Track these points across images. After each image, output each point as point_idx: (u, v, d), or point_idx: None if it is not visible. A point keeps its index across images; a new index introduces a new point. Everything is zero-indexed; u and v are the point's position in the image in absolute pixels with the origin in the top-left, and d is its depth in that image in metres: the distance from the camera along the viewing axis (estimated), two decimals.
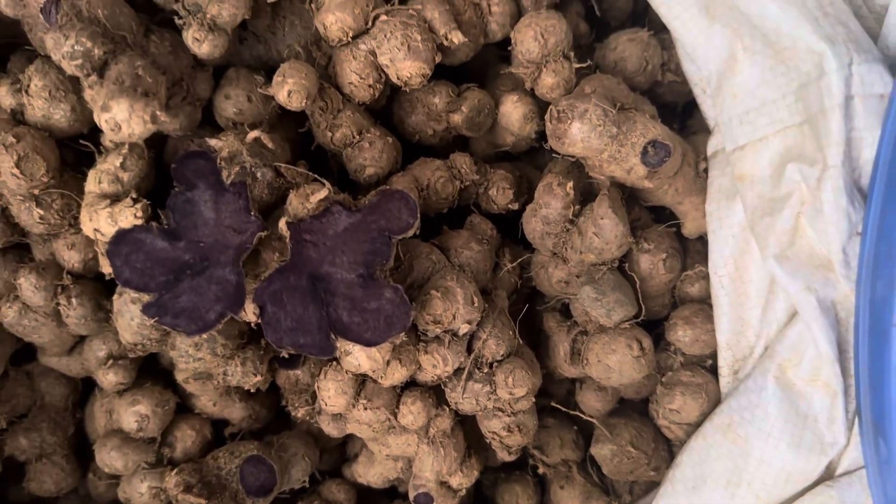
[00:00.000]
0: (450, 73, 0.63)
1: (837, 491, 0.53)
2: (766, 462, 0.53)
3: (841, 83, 0.47)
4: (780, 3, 0.48)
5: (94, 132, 0.55)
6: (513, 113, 0.60)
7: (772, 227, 0.51)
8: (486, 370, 0.56)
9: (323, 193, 0.51)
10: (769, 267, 0.51)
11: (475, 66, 0.65)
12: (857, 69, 0.47)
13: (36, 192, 0.55)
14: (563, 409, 0.62)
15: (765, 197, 0.52)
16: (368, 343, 0.50)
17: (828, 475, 0.54)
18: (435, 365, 0.55)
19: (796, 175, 0.49)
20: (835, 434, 0.52)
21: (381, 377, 0.55)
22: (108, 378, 0.59)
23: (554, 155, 0.57)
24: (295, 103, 0.53)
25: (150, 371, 0.63)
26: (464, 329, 0.54)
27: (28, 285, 0.57)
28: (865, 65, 0.47)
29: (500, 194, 0.61)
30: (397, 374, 0.55)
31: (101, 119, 0.49)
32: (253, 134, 0.53)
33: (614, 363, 0.57)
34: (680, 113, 0.65)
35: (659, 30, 0.60)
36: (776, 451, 0.53)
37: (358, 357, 0.53)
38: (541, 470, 0.65)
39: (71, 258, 0.57)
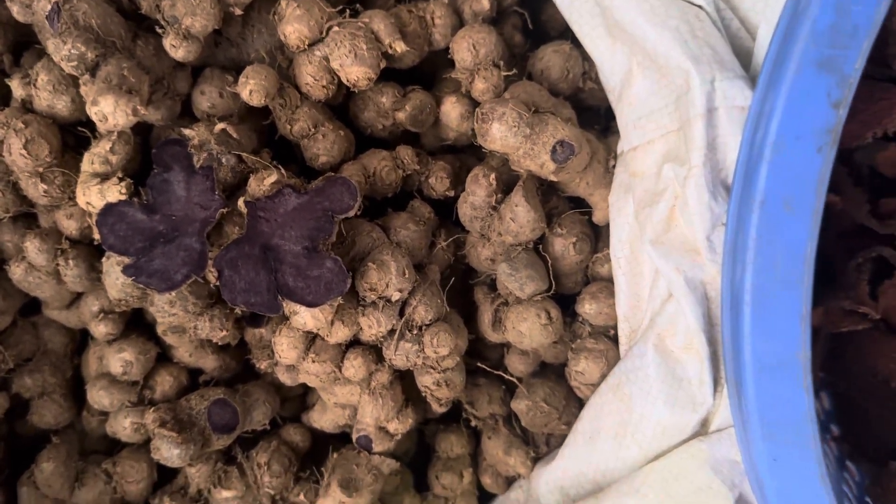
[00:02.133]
0: (404, 74, 0.72)
1: (708, 445, 0.61)
2: (646, 417, 0.62)
3: (703, 97, 0.55)
4: (657, 28, 0.57)
5: (91, 120, 0.65)
6: (451, 112, 0.69)
7: (650, 217, 0.60)
8: (415, 332, 0.66)
9: (274, 177, 0.61)
10: (647, 250, 0.60)
11: (428, 69, 0.75)
12: (719, 85, 0.56)
13: (41, 170, 0.64)
14: (489, 369, 0.72)
15: (649, 191, 0.60)
16: (310, 304, 0.60)
17: (703, 431, 0.63)
18: (370, 326, 0.64)
19: (670, 173, 0.58)
20: (704, 395, 0.60)
21: (327, 335, 0.65)
22: (100, 329, 0.70)
23: (483, 149, 0.66)
24: (255, 100, 0.62)
25: (137, 325, 0.73)
26: (395, 296, 0.64)
27: (33, 248, 0.67)
28: (728, 81, 0.56)
29: (439, 182, 0.70)
30: (340, 333, 0.64)
31: (91, 111, 0.58)
32: (220, 126, 0.63)
33: (525, 329, 0.66)
34: (604, 116, 0.74)
35: None
36: (654, 407, 0.61)
37: (304, 316, 0.62)
38: (472, 422, 0.75)
39: (69, 226, 0.67)
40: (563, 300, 0.70)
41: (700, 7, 0.58)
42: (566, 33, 0.75)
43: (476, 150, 0.75)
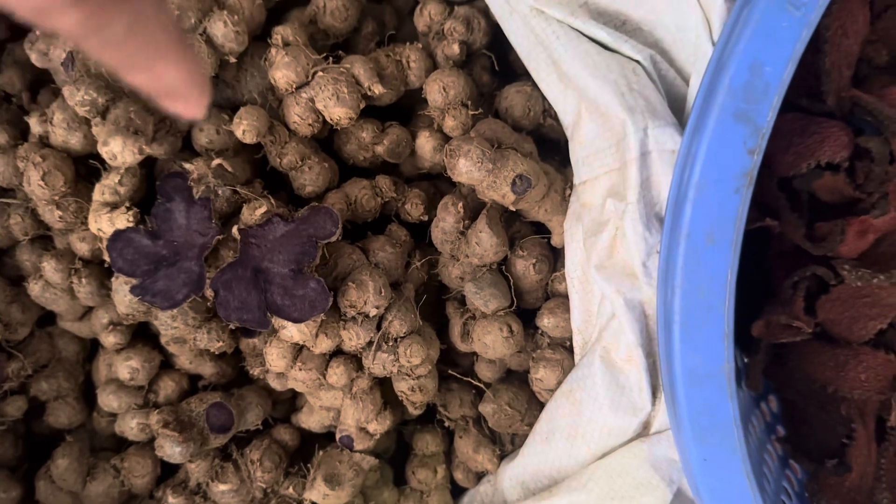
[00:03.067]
0: (383, 111, 0.80)
1: (648, 445, 0.68)
2: (594, 420, 0.69)
3: (637, 143, 0.62)
4: (598, 81, 0.64)
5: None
6: (425, 146, 0.77)
7: (595, 244, 0.67)
8: (391, 344, 0.73)
9: (264, 208, 0.69)
10: (591, 274, 0.67)
11: (407, 104, 0.82)
12: (652, 132, 0.63)
13: (56, 198, 0.68)
14: (459, 376, 0.80)
15: (595, 221, 0.68)
16: (296, 320, 0.68)
17: (644, 434, 0.70)
18: (351, 338, 0.72)
19: (611, 207, 0.65)
20: (643, 401, 0.67)
21: (312, 346, 0.73)
22: (109, 339, 0.77)
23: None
24: (248, 139, 0.70)
25: (143, 335, 0.81)
26: (373, 312, 0.71)
27: (49, 267, 0.73)
28: (660, 128, 0.63)
29: (414, 208, 0.78)
30: (324, 345, 0.72)
31: (103, 151, 0.66)
32: (216, 161, 0.70)
33: (489, 342, 0.74)
34: (563, 148, 0.82)
35: None
36: (601, 412, 0.68)
37: (291, 331, 0.70)
38: (446, 423, 0.83)
39: (82, 248, 0.71)
40: (526, 314, 0.78)
41: (637, 62, 0.65)
42: (529, 74, 0.83)
43: (449, 177, 0.83)
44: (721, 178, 0.59)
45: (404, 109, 0.82)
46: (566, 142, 0.78)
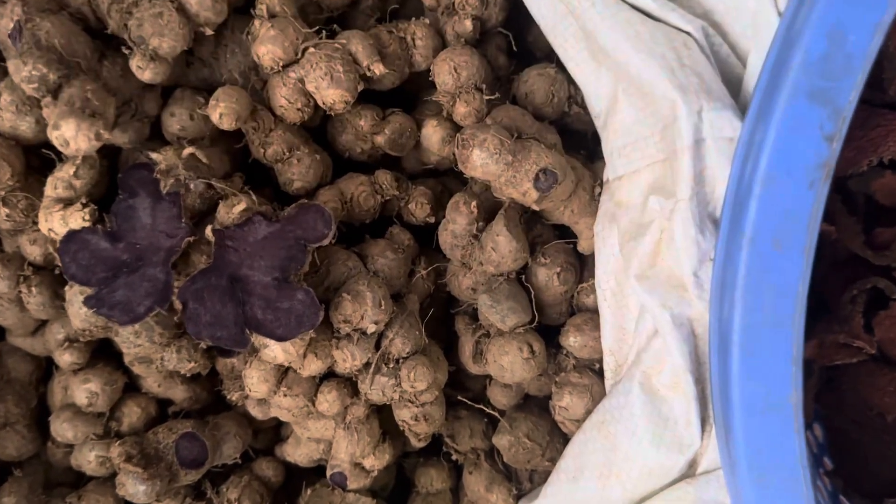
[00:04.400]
0: (384, 96, 0.70)
1: (695, 488, 0.59)
2: (631, 457, 0.59)
3: (690, 128, 0.53)
4: (642, 55, 0.54)
5: None
6: (432, 136, 0.67)
7: (636, 250, 0.57)
8: (392, 365, 0.63)
9: (244, 205, 0.58)
10: (631, 285, 0.57)
11: (410, 90, 0.72)
12: (707, 115, 0.53)
13: (3, 193, 0.61)
14: (470, 402, 0.70)
15: (634, 222, 0.58)
16: (280, 338, 0.58)
17: (689, 473, 0.60)
18: (345, 359, 0.62)
19: (656, 205, 0.56)
20: (691, 435, 0.58)
21: (299, 368, 0.62)
22: (64, 358, 0.67)
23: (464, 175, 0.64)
24: (226, 124, 0.60)
25: (104, 352, 0.71)
26: (371, 329, 0.61)
27: None
28: (716, 112, 0.53)
29: (419, 208, 0.68)
30: (313, 366, 0.62)
31: (52, 136, 0.56)
32: (188, 150, 0.60)
33: (507, 363, 0.64)
34: (590, 140, 0.72)
35: None
36: (640, 447, 0.59)
37: (274, 350, 0.60)
38: (454, 456, 0.73)
39: (33, 252, 0.64)
40: (547, 331, 0.68)
41: (688, 34, 0.56)
42: (552, 55, 0.73)
43: (459, 173, 0.73)
44: (792, 170, 0.50)
45: (407, 96, 0.72)
46: (594, 133, 0.69)
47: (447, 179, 0.73)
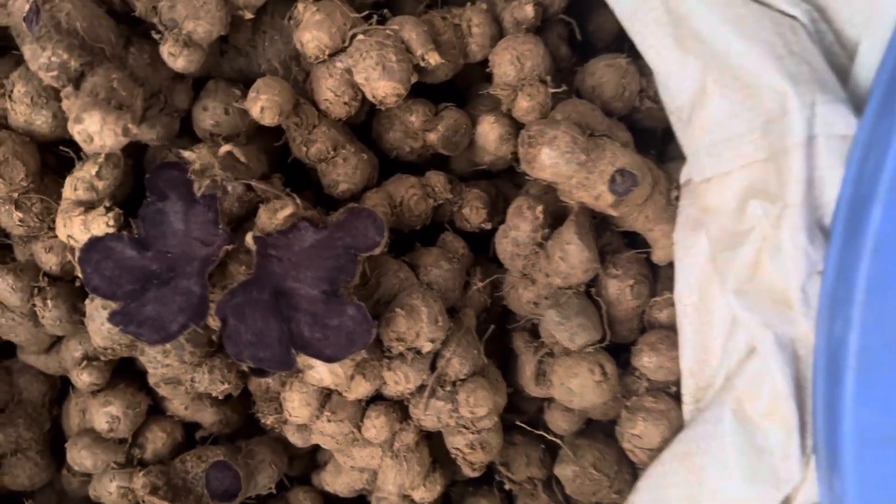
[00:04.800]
0: (432, 90, 0.63)
1: None
2: (720, 493, 0.53)
3: (803, 122, 0.47)
4: (744, 40, 0.48)
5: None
6: (489, 133, 0.61)
7: (732, 261, 0.51)
8: (448, 388, 0.57)
9: (290, 210, 0.52)
10: (728, 301, 0.51)
11: (459, 84, 0.66)
12: (820, 109, 0.47)
13: (16, 195, 0.56)
14: (529, 428, 0.63)
15: (727, 230, 0.52)
16: (329, 359, 0.51)
17: None
18: (397, 381, 0.55)
19: (758, 211, 0.49)
20: (790, 470, 0.52)
21: (346, 391, 0.56)
22: (83, 378, 0.61)
23: (526, 176, 0.57)
24: (267, 119, 0.54)
25: (126, 371, 0.64)
26: (427, 347, 0.55)
27: (5, 286, 0.58)
28: (829, 105, 0.47)
29: (474, 213, 0.62)
30: (361, 389, 0.56)
31: (74, 130, 0.50)
32: (225, 148, 0.54)
33: (576, 387, 0.57)
34: (660, 138, 0.65)
35: (639, 56, 0.60)
36: (730, 482, 0.53)
37: (320, 371, 0.54)
38: (507, 486, 0.66)
39: (49, 261, 0.58)
40: (615, 349, 0.61)
41: (794, 18, 0.49)
42: (615, 45, 0.67)
43: (513, 175, 0.67)
44: None
45: (455, 91, 0.66)
46: (665, 130, 0.62)
47: (500, 182, 0.67)
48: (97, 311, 0.55)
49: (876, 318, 0.46)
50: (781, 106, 0.47)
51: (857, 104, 0.48)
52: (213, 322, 0.53)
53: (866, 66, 0.49)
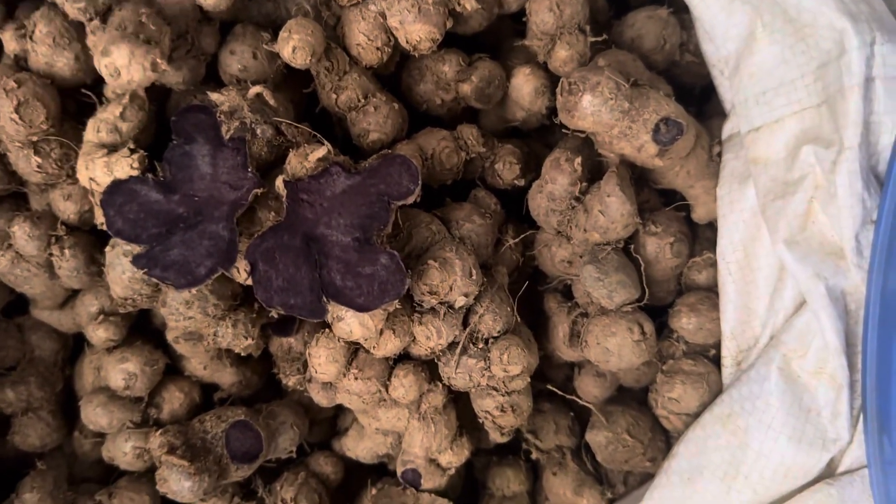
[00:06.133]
0: (462, 43, 0.62)
1: (837, 489, 0.51)
2: (764, 455, 0.51)
3: (861, 62, 0.45)
4: None
5: (98, 83, 0.54)
6: (524, 86, 0.59)
7: (783, 211, 0.49)
8: (481, 346, 0.55)
9: (322, 152, 0.50)
10: (778, 252, 0.49)
11: (489, 39, 0.64)
12: (879, 49, 0.45)
13: (34, 138, 0.54)
14: (560, 392, 0.61)
15: (778, 180, 0.50)
16: (361, 308, 0.49)
17: (829, 472, 0.52)
18: (429, 337, 0.53)
19: (811, 157, 0.48)
20: (838, 430, 0.50)
21: (374, 347, 0.54)
22: (98, 333, 0.59)
23: (564, 131, 0.55)
24: (300, 60, 0.52)
25: (142, 330, 0.62)
26: (460, 302, 0.53)
27: (21, 234, 0.56)
28: (889, 45, 0.45)
29: (507, 169, 0.60)
30: (390, 345, 0.53)
31: (101, 64, 0.48)
32: (255, 89, 0.52)
33: (614, 346, 0.55)
34: (698, 96, 0.64)
35: (679, 9, 0.59)
36: (776, 444, 0.51)
37: (350, 323, 0.51)
38: (534, 455, 0.64)
39: (67, 209, 0.56)
40: (649, 312, 0.59)
41: None
42: (648, 1, 0.65)
43: (545, 134, 0.65)
44: None
45: (487, 46, 0.64)
46: (704, 87, 0.61)
47: (531, 142, 0.65)
48: (118, 259, 0.53)
49: None
50: (839, 45, 0.46)
51: None
52: (240, 271, 0.51)
53: None
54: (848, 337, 0.50)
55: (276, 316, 0.54)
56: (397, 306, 0.51)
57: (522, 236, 0.59)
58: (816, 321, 0.48)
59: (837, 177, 0.46)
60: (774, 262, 0.51)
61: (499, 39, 0.65)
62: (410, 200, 0.51)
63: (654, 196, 0.60)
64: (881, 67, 0.46)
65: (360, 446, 0.64)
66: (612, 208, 0.54)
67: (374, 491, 0.61)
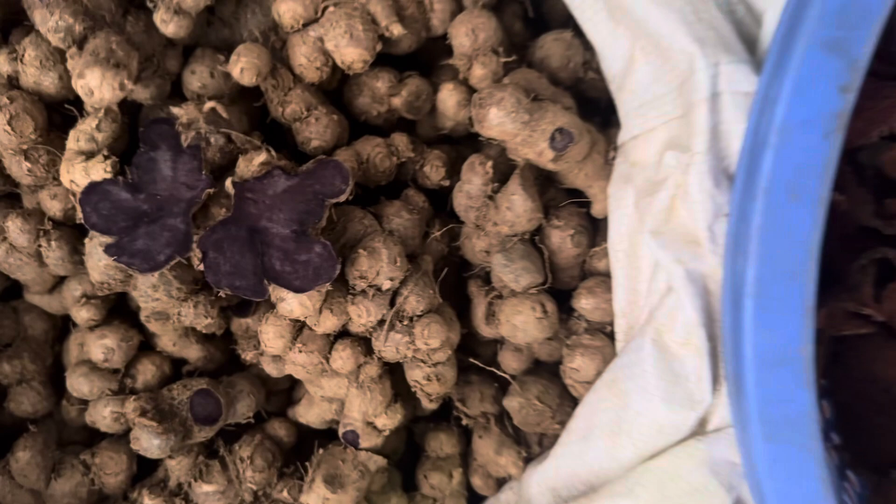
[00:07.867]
0: (400, 61, 0.70)
1: (706, 444, 0.59)
2: (642, 414, 0.59)
3: (707, 80, 0.53)
4: (661, 10, 0.55)
5: (79, 98, 0.63)
6: (448, 100, 0.67)
7: (650, 207, 0.58)
8: (406, 323, 0.64)
9: (263, 157, 0.59)
10: (645, 241, 0.58)
11: (425, 58, 0.73)
12: (724, 68, 0.54)
13: (25, 147, 0.62)
14: (481, 365, 0.70)
15: (649, 180, 0.59)
16: (297, 290, 0.58)
17: (700, 431, 0.60)
18: (360, 315, 0.62)
19: (672, 161, 0.56)
20: (702, 392, 0.58)
21: (315, 324, 0.63)
22: (81, 314, 0.67)
23: (479, 139, 0.64)
24: (246, 79, 0.61)
25: (120, 312, 0.71)
26: (386, 285, 0.62)
27: (15, 228, 0.64)
28: (733, 65, 0.54)
29: (434, 171, 0.68)
30: (328, 322, 0.62)
31: (77, 85, 0.57)
32: (209, 104, 0.61)
33: (520, 323, 0.64)
34: (604, 108, 0.72)
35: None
36: (651, 404, 0.59)
37: (291, 303, 0.60)
38: (464, 421, 0.73)
39: (53, 207, 0.65)
40: (559, 296, 0.68)
41: None
42: (567, 24, 0.74)
43: (473, 141, 0.73)
44: (808, 120, 0.50)
45: (422, 64, 0.73)
46: (607, 101, 0.69)
47: (461, 148, 0.74)
48: (95, 249, 0.62)
49: (768, 251, 0.52)
50: (690, 66, 0.54)
51: (756, 67, 0.55)
52: (196, 260, 0.60)
53: (768, 34, 0.56)
54: (711, 313, 0.58)
55: (224, 296, 0.63)
56: (330, 288, 0.60)
57: (445, 229, 0.68)
58: (679, 299, 0.57)
59: (689, 177, 0.54)
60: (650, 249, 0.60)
61: (433, 58, 0.73)
62: (342, 198, 0.60)
63: (560, 194, 0.68)
64: (727, 83, 0.54)
65: (311, 413, 0.72)
66: (517, 205, 0.63)
67: (320, 451, 0.70)
